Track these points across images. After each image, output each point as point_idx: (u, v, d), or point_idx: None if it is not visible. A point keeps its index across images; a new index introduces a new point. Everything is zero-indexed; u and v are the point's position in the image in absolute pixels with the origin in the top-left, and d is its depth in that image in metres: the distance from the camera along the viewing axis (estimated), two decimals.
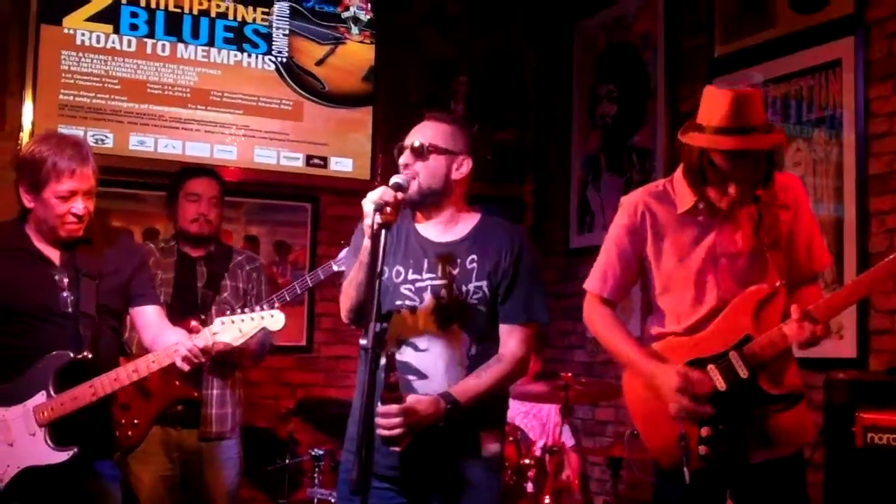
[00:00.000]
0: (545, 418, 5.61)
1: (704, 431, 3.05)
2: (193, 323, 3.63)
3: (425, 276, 3.07)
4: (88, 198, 3.36)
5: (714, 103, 3.01)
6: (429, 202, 3.10)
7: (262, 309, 3.49)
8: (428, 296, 3.05)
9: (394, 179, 2.98)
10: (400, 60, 6.35)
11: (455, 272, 3.05)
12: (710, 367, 3.05)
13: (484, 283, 3.04)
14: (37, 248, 3.40)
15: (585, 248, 6.22)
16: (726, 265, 3.11)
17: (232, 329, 3.45)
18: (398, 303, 3.06)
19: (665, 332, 3.19)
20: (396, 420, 2.85)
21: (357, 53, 6.18)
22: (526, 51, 6.74)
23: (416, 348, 3.04)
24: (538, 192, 6.75)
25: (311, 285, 4.49)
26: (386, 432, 2.84)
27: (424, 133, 3.10)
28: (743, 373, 3.02)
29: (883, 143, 4.36)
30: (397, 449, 2.88)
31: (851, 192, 4.46)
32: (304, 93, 6.02)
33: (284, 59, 5.99)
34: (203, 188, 4.39)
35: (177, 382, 4.13)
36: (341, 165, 6.07)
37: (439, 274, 3.06)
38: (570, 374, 4.98)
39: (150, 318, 3.58)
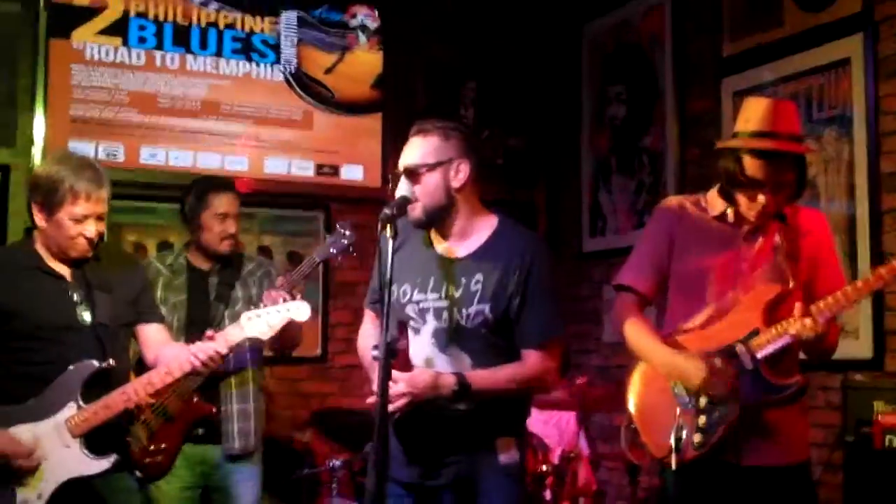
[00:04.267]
0: (564, 425, 5.60)
1: (702, 421, 3.07)
2: (209, 332, 3.62)
3: (429, 296, 3.07)
4: (100, 221, 3.42)
5: (751, 110, 3.11)
6: (437, 219, 3.08)
7: (284, 301, 3.55)
8: (430, 317, 3.06)
9: (400, 192, 3.02)
10: (408, 67, 6.35)
11: (457, 294, 3.03)
12: (716, 359, 3.07)
13: (486, 307, 3.00)
14: (49, 266, 3.44)
15: (598, 252, 6.23)
16: (745, 272, 3.15)
17: (259, 323, 3.53)
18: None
19: (680, 329, 3.21)
20: (399, 386, 2.87)
21: (365, 61, 6.18)
22: (534, 54, 6.73)
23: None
24: (550, 196, 6.74)
25: (307, 273, 4.34)
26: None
27: (411, 154, 3.07)
28: (747, 364, 3.05)
29: (894, 141, 4.35)
30: (395, 411, 2.88)
31: (864, 191, 4.45)
32: (313, 101, 6.03)
33: (293, 69, 6.00)
34: (228, 206, 4.27)
35: (195, 399, 4.08)
36: (352, 173, 6.08)
37: (442, 295, 3.05)
38: (585, 380, 4.96)
39: (153, 336, 3.65)
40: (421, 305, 3.07)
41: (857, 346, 4.39)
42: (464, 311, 3.01)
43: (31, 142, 5.37)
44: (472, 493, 3.01)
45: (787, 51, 4.86)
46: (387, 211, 2.92)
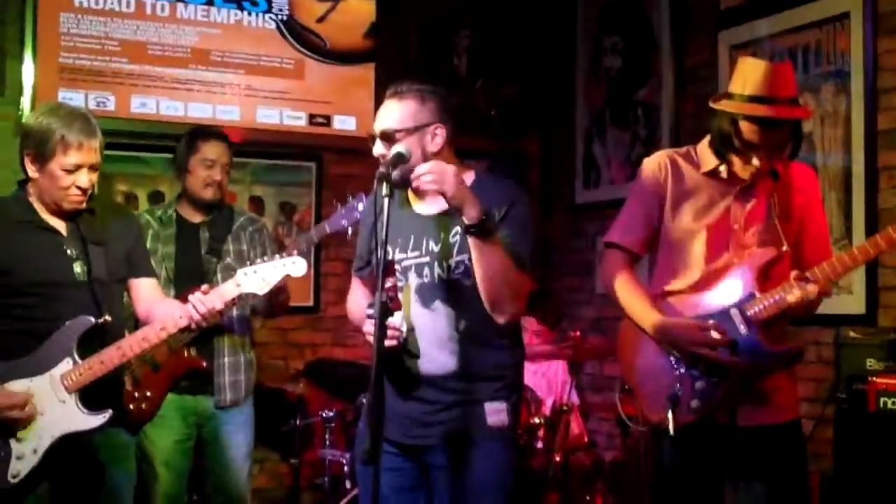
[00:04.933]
0: (552, 376, 5.63)
1: (699, 385, 3.08)
2: (204, 286, 3.62)
3: (410, 254, 3.08)
4: (93, 171, 3.39)
5: (747, 72, 3.04)
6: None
7: (281, 257, 3.56)
8: (412, 275, 3.07)
9: (395, 150, 2.97)
10: (401, 15, 6.28)
11: (437, 248, 3.04)
12: (710, 322, 3.07)
13: (466, 257, 2.99)
14: (44, 220, 3.43)
15: (591, 204, 6.22)
16: (738, 231, 3.14)
17: (255, 279, 3.53)
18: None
19: (671, 289, 3.20)
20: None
21: (358, 9, 6.11)
22: (529, 3, 6.65)
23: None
24: (543, 147, 6.71)
25: (316, 241, 4.34)
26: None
27: (388, 117, 3.04)
28: (742, 329, 3.05)
29: (891, 98, 4.33)
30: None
31: (860, 148, 4.43)
32: (305, 51, 5.97)
33: (285, 17, 5.93)
34: (218, 153, 4.28)
35: (185, 353, 4.11)
36: (345, 124, 6.03)
37: (423, 251, 3.07)
38: (577, 333, 4.97)
39: (145, 291, 3.64)
40: (403, 264, 3.08)
41: (850, 301, 4.39)
42: (444, 263, 3.03)
43: (20, 91, 5.31)
44: (461, 453, 3.02)
45: (785, 4, 4.80)
46: (382, 169, 2.90)
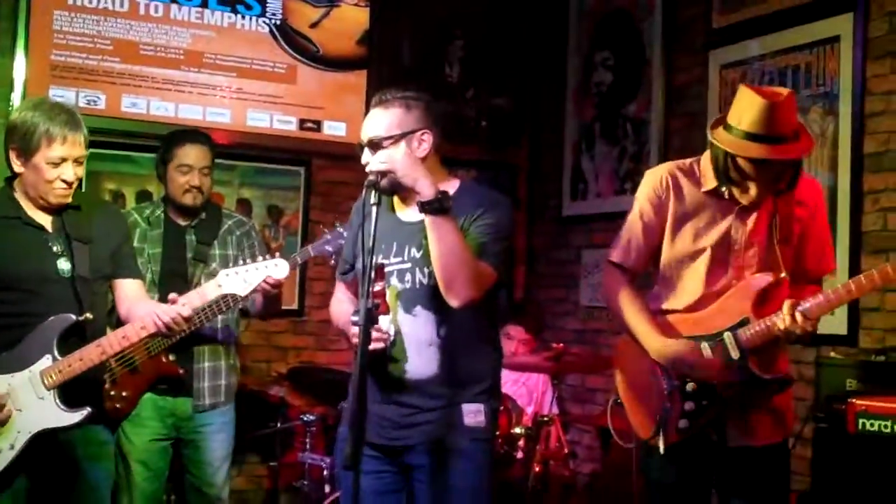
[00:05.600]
0: (533, 386, 5.65)
1: (688, 406, 3.10)
2: (172, 295, 3.60)
3: (392, 260, 3.10)
4: (78, 164, 3.40)
5: (745, 106, 2.97)
6: (401, 189, 3.06)
7: (264, 259, 3.59)
8: (394, 280, 3.09)
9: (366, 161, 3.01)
10: (395, 24, 6.30)
11: (418, 255, 3.06)
12: (703, 344, 3.10)
13: None
14: (29, 216, 3.44)
15: (578, 216, 6.24)
16: (738, 252, 3.14)
17: (237, 280, 3.56)
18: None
19: (669, 307, 3.22)
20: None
21: (352, 16, 6.12)
22: (522, 15, 6.68)
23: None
24: (532, 159, 6.73)
25: (300, 262, 4.34)
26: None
27: (374, 126, 3.06)
28: (734, 353, 3.07)
29: (879, 122, 4.34)
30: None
31: (846, 171, 4.44)
32: (298, 56, 5.98)
33: (278, 22, 5.94)
34: (194, 158, 4.24)
35: (163, 359, 4.10)
36: (335, 129, 6.05)
37: (404, 257, 3.09)
38: (561, 345, 4.99)
39: (128, 291, 3.64)
40: (385, 270, 3.09)
41: (831, 321, 4.39)
42: (425, 269, 3.05)
43: (10, 87, 5.31)
44: (440, 455, 3.05)
45: (777, 25, 4.82)
46: (371, 177, 2.92)
